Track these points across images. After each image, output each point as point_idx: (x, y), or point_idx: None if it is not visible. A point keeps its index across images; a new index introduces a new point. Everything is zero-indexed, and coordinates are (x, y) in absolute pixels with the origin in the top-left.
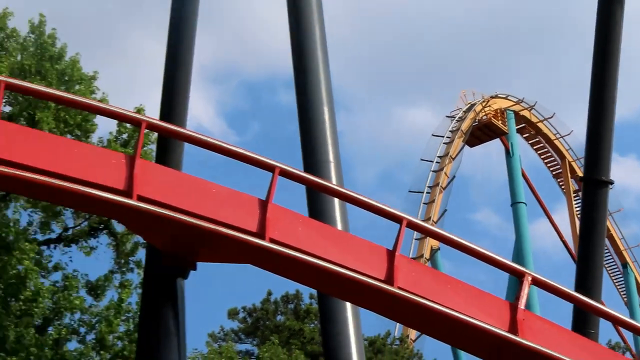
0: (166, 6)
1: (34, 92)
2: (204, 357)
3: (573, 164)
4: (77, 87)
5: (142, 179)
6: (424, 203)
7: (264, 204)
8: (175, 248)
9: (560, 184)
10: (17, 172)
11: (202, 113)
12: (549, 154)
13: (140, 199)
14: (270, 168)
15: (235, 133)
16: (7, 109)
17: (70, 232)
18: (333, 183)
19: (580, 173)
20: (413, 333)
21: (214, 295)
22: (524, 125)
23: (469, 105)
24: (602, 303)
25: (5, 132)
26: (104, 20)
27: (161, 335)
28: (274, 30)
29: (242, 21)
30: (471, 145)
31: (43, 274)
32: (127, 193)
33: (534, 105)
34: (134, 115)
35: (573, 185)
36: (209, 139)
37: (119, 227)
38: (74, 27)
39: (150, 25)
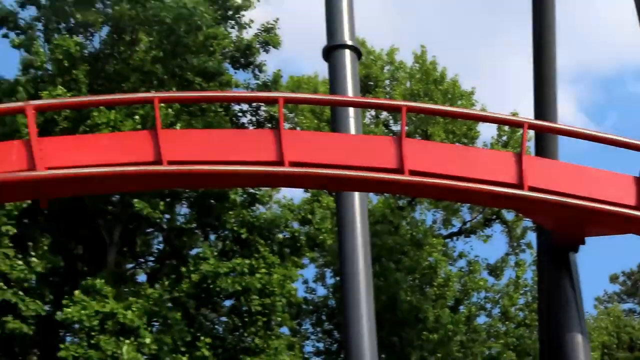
0: (524, 25)
1: (429, 110)
2: (594, 318)
3: None
4: (459, 102)
5: (530, 172)
6: None
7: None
8: (563, 227)
9: None
10: (430, 181)
11: (565, 111)
12: None
13: (531, 189)
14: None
15: (595, 124)
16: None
17: (468, 225)
18: None
19: None
20: None
21: (594, 263)
22: None
23: None
24: None
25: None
26: (471, 44)
27: (562, 303)
28: (619, 27)
29: (589, 22)
30: None
31: (450, 262)
32: (519, 185)
33: None
34: (516, 119)
35: None
36: (584, 130)
37: (509, 216)
38: (447, 53)
39: (511, 44)
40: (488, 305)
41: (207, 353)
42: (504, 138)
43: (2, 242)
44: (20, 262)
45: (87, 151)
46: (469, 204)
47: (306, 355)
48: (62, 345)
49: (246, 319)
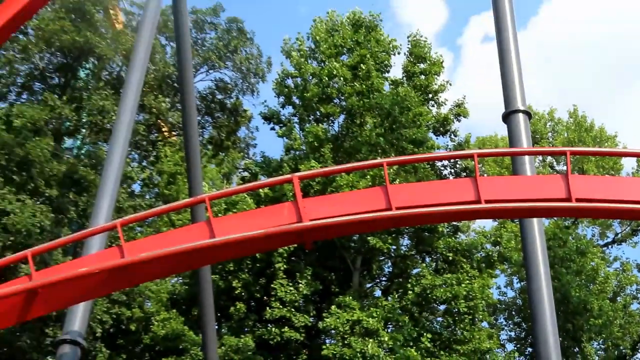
0: None
1: (589, 152)
2: None
3: None
4: (605, 144)
5: None
6: None
7: None
8: None
9: None
10: (594, 205)
11: None
12: None
13: None
14: None
15: None
16: None
17: (619, 235)
18: None
19: None
20: None
21: None
22: None
23: None
24: None
25: None
26: (611, 92)
27: None
28: None
29: None
30: None
31: (608, 265)
32: None
33: None
34: None
35: None
36: None
37: None
38: (591, 102)
39: None
40: None
41: (428, 345)
42: None
43: (278, 274)
44: (291, 288)
45: (336, 205)
46: (620, 220)
47: (502, 342)
48: (324, 347)
49: (456, 318)
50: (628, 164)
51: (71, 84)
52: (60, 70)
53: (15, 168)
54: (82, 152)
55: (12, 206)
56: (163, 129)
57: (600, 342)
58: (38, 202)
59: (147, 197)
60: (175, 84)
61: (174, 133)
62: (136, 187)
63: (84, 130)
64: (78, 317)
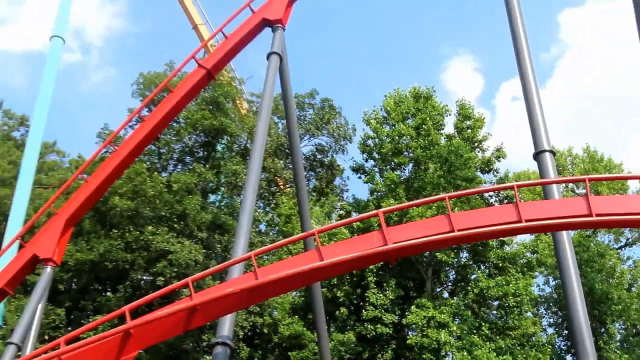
0: None
1: (604, 179)
2: None
3: None
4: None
5: None
6: None
7: None
8: None
9: None
10: (614, 218)
11: None
12: None
13: None
14: None
15: None
16: None
17: (630, 239)
18: None
19: None
20: None
21: None
22: None
23: None
24: None
25: None
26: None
27: None
28: None
29: None
30: None
31: (623, 262)
32: None
33: None
34: None
35: None
36: None
37: None
38: (604, 137)
39: None
40: None
41: (487, 332)
42: None
43: (370, 285)
44: (380, 295)
45: (412, 231)
46: (630, 228)
47: (543, 327)
48: (408, 337)
49: (507, 310)
50: (633, 185)
51: (212, 155)
52: (203, 146)
53: (175, 219)
54: (222, 204)
55: (174, 247)
56: (279, 183)
57: (621, 323)
58: (193, 243)
59: (271, 234)
60: (287, 150)
61: (287, 186)
62: (262, 227)
63: (222, 188)
64: (226, 325)
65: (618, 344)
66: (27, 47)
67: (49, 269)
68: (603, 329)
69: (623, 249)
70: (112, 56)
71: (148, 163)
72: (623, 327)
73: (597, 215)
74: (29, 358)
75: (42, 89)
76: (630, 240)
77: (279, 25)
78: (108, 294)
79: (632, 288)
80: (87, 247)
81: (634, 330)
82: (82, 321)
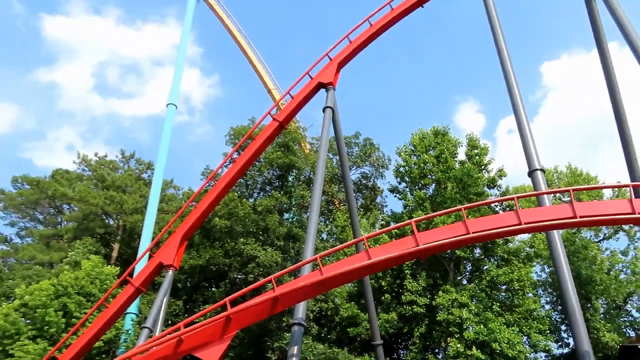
0: None
1: (588, 188)
2: None
3: None
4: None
5: None
6: None
7: None
8: None
9: None
10: (598, 219)
11: None
12: None
13: None
14: None
15: None
16: None
17: (606, 234)
18: None
19: None
20: None
21: None
22: None
23: None
24: None
25: None
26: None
27: None
28: None
29: None
30: None
31: (602, 252)
32: None
33: None
34: None
35: None
36: None
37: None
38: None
39: None
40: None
41: (498, 309)
42: None
43: (407, 276)
44: (415, 283)
45: (438, 235)
46: (605, 225)
47: (542, 304)
48: (437, 315)
49: (513, 293)
50: (607, 193)
51: (285, 184)
52: (278, 178)
53: (260, 232)
54: (294, 220)
55: (260, 253)
56: (335, 203)
57: (603, 299)
58: (273, 249)
59: (330, 240)
60: (340, 178)
61: (341, 204)
62: (324, 236)
63: (294, 209)
64: (300, 310)
65: (602, 315)
66: (150, 112)
67: (170, 272)
68: (589, 305)
69: (602, 242)
70: (210, 115)
71: (239, 192)
72: (605, 302)
73: (581, 217)
74: (158, 337)
75: (162, 142)
76: (607, 235)
77: (331, 86)
78: (213, 289)
79: (610, 272)
80: (197, 255)
81: (614, 305)
82: (195, 310)
